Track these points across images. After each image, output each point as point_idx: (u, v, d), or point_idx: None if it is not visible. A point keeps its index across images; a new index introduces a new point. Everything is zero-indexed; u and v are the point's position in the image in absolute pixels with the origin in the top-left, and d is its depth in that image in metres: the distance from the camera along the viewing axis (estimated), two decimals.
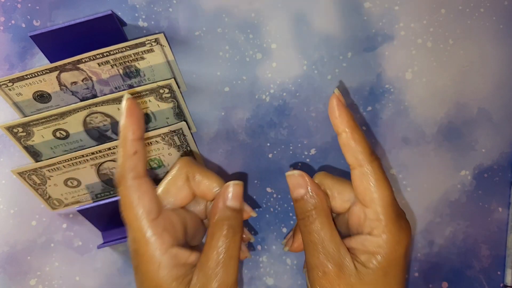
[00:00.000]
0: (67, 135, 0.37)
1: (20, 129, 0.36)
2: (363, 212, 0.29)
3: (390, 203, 0.29)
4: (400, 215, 0.29)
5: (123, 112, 0.29)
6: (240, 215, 0.30)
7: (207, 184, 0.31)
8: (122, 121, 0.29)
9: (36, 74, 0.35)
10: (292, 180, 0.30)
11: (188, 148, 0.37)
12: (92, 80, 0.36)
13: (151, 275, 0.28)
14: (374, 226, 0.28)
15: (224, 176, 0.38)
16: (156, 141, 0.36)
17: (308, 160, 0.38)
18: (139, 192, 0.28)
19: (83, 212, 0.36)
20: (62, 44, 0.36)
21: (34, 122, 0.35)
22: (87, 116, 0.36)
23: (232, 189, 0.30)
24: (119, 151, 0.29)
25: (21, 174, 0.36)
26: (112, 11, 0.35)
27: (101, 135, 0.37)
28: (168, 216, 0.29)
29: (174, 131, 0.36)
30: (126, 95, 0.29)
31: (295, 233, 0.33)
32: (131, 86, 0.37)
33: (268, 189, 0.39)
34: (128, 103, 0.29)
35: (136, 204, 0.28)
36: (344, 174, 0.38)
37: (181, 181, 0.31)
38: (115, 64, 0.35)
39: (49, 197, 0.37)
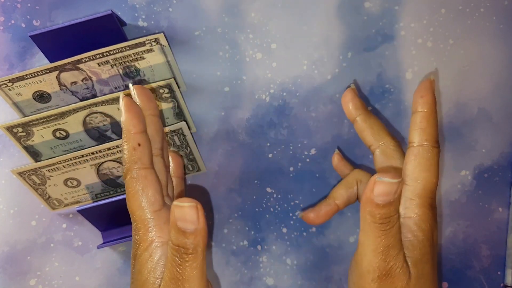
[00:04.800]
0: (67, 135, 0.37)
1: (20, 129, 0.36)
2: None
3: (432, 190, 0.30)
4: (434, 206, 0.30)
5: (122, 109, 0.30)
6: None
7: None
8: (123, 117, 0.30)
9: (36, 74, 0.35)
10: (382, 187, 0.27)
11: (188, 148, 0.37)
12: (92, 80, 0.36)
13: (144, 262, 0.29)
14: (408, 206, 0.29)
15: (224, 176, 0.38)
16: None
17: (308, 160, 0.38)
18: (143, 183, 0.29)
19: (83, 212, 0.36)
20: (62, 44, 0.36)
21: (34, 122, 0.35)
22: (87, 116, 0.36)
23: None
24: (124, 146, 0.30)
25: (21, 174, 0.36)
26: (112, 11, 0.35)
27: (101, 135, 0.37)
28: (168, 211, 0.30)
29: (174, 131, 0.36)
30: (121, 94, 0.31)
31: (321, 206, 0.34)
32: None
33: (268, 189, 0.39)
34: (125, 100, 0.30)
35: (140, 194, 0.29)
36: None
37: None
38: (115, 64, 0.35)
39: (49, 197, 0.37)
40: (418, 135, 0.30)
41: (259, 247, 0.39)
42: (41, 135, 0.36)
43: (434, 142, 0.30)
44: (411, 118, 0.31)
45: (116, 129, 0.37)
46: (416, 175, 0.30)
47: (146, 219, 0.29)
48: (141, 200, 0.29)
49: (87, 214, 0.37)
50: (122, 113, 0.30)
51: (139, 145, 0.29)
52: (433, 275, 0.29)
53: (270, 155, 0.38)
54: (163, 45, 0.35)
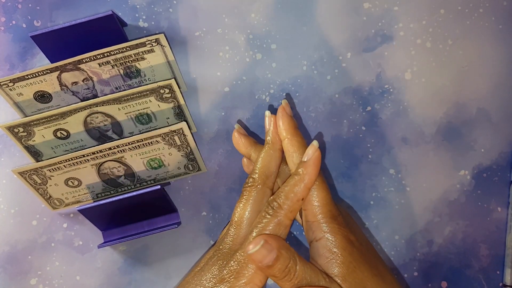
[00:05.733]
0: (68, 135, 0.37)
1: (21, 129, 0.36)
2: (304, 220, 0.31)
3: (326, 203, 0.31)
4: (335, 216, 0.31)
5: (312, 163, 0.31)
6: None
7: None
8: (312, 170, 0.30)
9: (37, 74, 0.35)
10: (257, 256, 0.28)
11: (189, 148, 0.37)
12: (92, 80, 0.36)
13: None
14: (315, 229, 0.30)
15: (224, 176, 0.39)
16: (156, 141, 0.36)
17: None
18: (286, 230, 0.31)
19: (84, 212, 0.36)
20: (62, 44, 0.36)
21: (34, 122, 0.35)
22: (88, 116, 0.36)
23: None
24: (295, 194, 0.30)
25: (21, 174, 0.36)
26: (112, 12, 0.35)
27: (102, 135, 0.37)
28: None
29: (174, 131, 0.36)
30: (315, 143, 0.32)
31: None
32: (131, 86, 0.37)
33: None
34: (318, 153, 0.31)
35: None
36: (343, 174, 0.39)
37: None
38: (115, 64, 0.36)
39: (50, 196, 0.38)
40: (291, 162, 0.32)
41: None
42: (42, 135, 0.36)
43: (307, 166, 0.31)
44: (282, 145, 0.33)
45: (117, 129, 0.37)
46: (307, 198, 0.31)
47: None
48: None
49: (88, 213, 0.37)
50: (311, 165, 0.31)
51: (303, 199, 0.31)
52: (370, 272, 0.30)
53: None
54: (164, 46, 0.35)
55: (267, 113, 0.33)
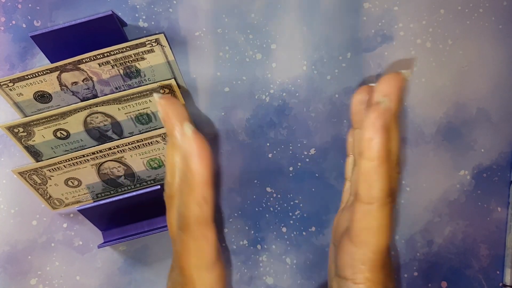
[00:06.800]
0: (68, 135, 0.37)
1: (21, 129, 0.36)
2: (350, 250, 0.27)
3: (383, 250, 0.26)
4: (386, 265, 0.27)
5: (190, 148, 0.24)
6: None
7: None
8: (194, 162, 0.23)
9: (37, 74, 0.35)
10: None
11: None
12: (92, 80, 0.36)
13: None
14: (357, 271, 0.26)
15: (224, 176, 0.39)
16: (156, 141, 0.36)
17: (307, 160, 0.39)
18: (201, 242, 0.25)
19: (84, 212, 0.36)
20: (62, 44, 0.36)
21: (34, 122, 0.35)
22: (88, 116, 0.36)
23: None
24: (188, 198, 0.24)
25: (21, 174, 0.36)
26: (112, 12, 0.35)
27: (102, 135, 0.37)
28: (222, 268, 0.27)
29: None
30: (187, 126, 0.24)
31: None
32: (131, 86, 0.37)
33: (268, 189, 0.39)
34: (195, 137, 0.24)
35: (194, 254, 0.25)
36: (343, 174, 0.39)
37: None
38: (115, 65, 0.36)
39: (50, 196, 0.38)
40: (365, 190, 0.24)
41: (259, 246, 0.39)
42: (42, 135, 0.36)
43: (385, 198, 0.24)
44: (356, 161, 0.26)
45: (117, 129, 0.37)
46: (363, 238, 0.26)
47: (195, 280, 0.26)
48: (195, 260, 0.25)
49: (88, 213, 0.37)
50: (191, 155, 0.23)
51: (204, 198, 0.24)
52: None
53: (270, 155, 0.39)
54: (164, 46, 0.35)
55: (156, 95, 0.26)
